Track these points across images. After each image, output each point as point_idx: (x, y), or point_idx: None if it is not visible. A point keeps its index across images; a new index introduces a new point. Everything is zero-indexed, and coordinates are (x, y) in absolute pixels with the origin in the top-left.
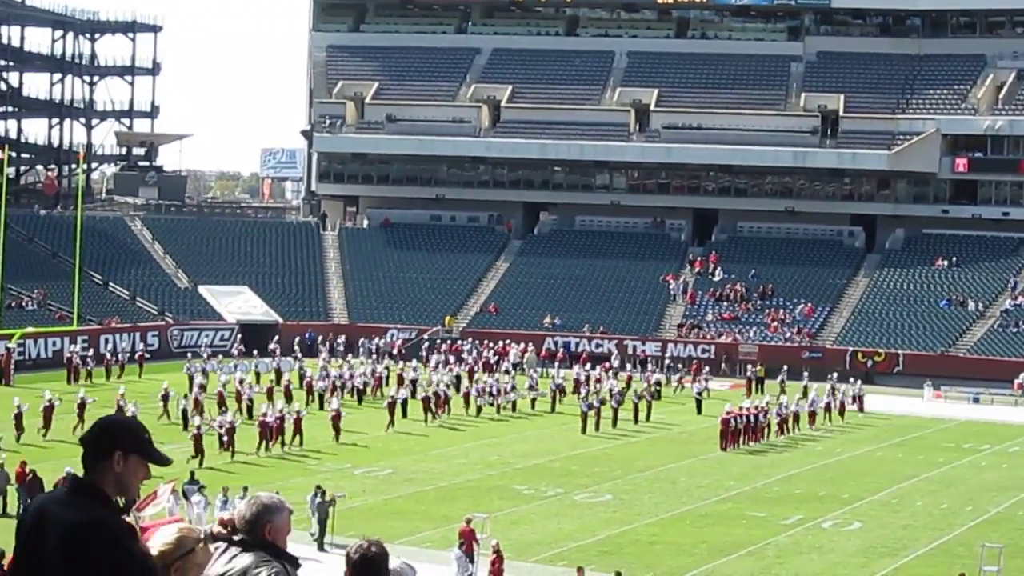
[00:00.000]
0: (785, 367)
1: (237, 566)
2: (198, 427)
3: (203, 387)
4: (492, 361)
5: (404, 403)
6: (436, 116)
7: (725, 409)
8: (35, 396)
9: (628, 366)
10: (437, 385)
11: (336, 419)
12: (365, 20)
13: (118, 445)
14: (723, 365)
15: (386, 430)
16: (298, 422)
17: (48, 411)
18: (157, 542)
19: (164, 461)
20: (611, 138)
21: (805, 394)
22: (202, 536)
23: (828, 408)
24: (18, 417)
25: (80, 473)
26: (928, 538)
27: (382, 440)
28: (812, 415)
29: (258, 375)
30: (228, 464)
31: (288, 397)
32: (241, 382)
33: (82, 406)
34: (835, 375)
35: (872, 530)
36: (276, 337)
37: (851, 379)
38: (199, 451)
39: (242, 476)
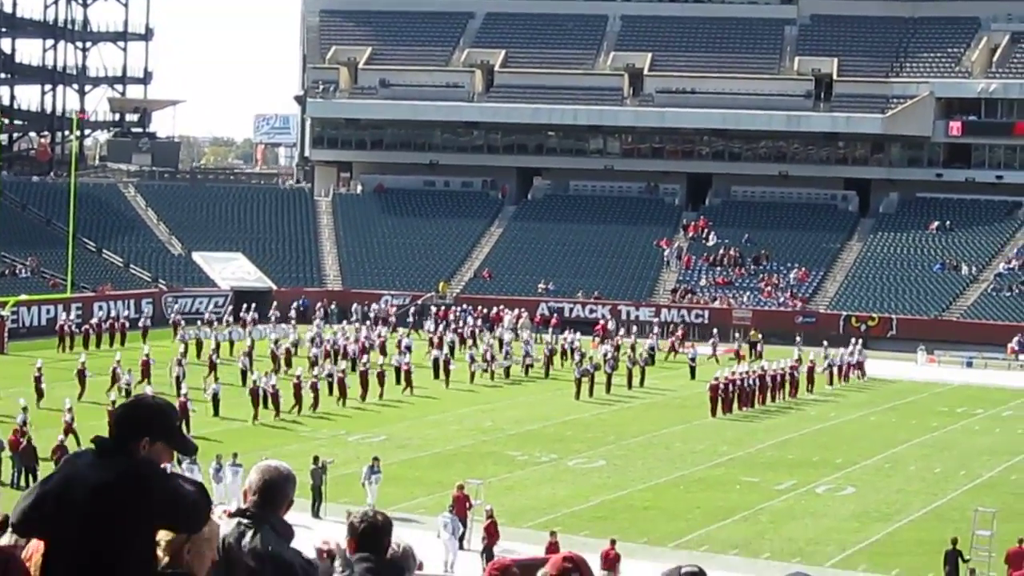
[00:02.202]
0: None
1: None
2: (184, 394)
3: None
4: (481, 327)
5: (401, 370)
6: (430, 81)
7: (714, 375)
8: (28, 364)
9: (622, 331)
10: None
11: (341, 383)
12: None
13: (146, 432)
14: (678, 338)
15: (362, 399)
16: (298, 388)
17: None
18: (162, 531)
19: (189, 450)
20: (605, 102)
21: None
22: None
23: (832, 373)
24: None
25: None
26: (921, 502)
27: (371, 408)
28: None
29: (253, 342)
30: (219, 431)
31: (287, 363)
32: (276, 342)
33: (81, 373)
34: (854, 340)
35: (866, 495)
36: (275, 303)
37: (852, 342)
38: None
39: (234, 444)
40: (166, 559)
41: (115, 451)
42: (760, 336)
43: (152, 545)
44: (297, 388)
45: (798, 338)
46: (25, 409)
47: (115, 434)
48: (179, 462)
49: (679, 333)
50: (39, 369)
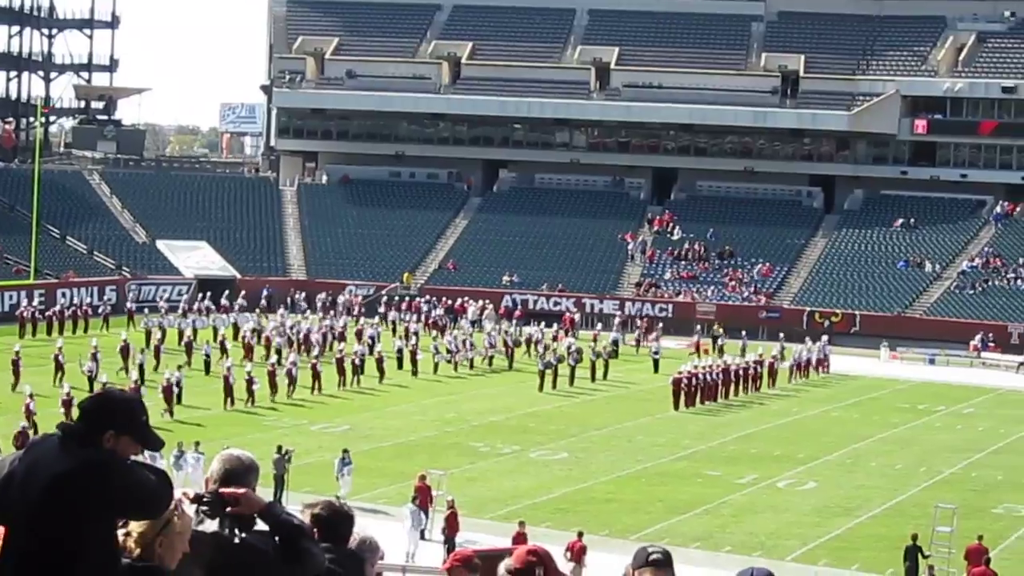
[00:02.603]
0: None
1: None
2: (168, 378)
3: (160, 340)
4: (444, 319)
5: (362, 361)
6: (396, 72)
7: (678, 369)
8: None
9: (599, 325)
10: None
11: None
12: None
13: (111, 425)
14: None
15: (339, 387)
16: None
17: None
18: (134, 523)
19: (156, 445)
20: (571, 96)
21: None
22: (175, 506)
23: (793, 368)
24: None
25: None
26: (882, 498)
27: (340, 396)
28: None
29: (215, 330)
30: (183, 419)
31: (267, 350)
32: (254, 331)
33: (57, 358)
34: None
35: (827, 490)
36: (227, 292)
37: (822, 339)
38: (168, 396)
39: (197, 431)
40: (137, 551)
41: (80, 440)
42: (743, 333)
43: (113, 536)
44: (271, 375)
45: (781, 335)
46: (32, 396)
47: (81, 425)
48: (143, 451)
49: (643, 325)
50: (17, 352)
